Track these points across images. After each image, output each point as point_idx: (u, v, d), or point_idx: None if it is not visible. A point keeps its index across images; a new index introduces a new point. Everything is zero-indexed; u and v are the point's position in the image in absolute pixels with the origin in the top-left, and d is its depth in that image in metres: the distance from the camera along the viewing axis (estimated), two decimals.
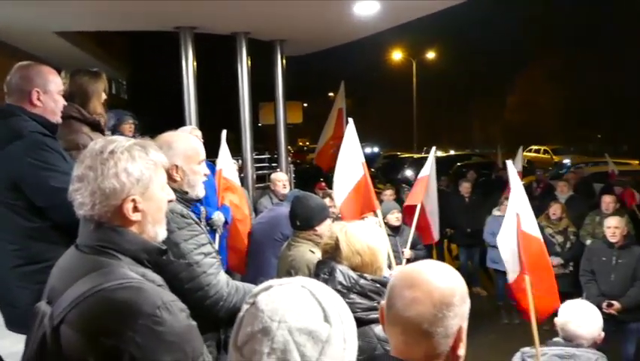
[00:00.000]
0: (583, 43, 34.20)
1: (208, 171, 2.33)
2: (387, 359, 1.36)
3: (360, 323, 1.87)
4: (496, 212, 7.20)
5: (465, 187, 8.32)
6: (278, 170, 7.54)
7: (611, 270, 5.21)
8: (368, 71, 40.81)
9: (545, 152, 25.93)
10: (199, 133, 4.18)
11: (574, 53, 34.30)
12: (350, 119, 4.53)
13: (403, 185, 8.65)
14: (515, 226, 3.59)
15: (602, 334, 2.67)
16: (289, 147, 10.87)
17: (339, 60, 29.84)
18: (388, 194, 6.78)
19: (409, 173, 14.66)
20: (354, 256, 2.04)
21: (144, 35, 12.27)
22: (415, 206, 5.24)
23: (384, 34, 9.23)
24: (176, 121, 6.10)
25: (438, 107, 40.00)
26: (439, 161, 6.27)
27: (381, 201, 6.28)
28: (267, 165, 8.79)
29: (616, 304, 5.03)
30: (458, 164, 16.51)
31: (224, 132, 5.01)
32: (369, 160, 9.50)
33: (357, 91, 36.46)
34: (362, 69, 39.07)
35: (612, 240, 5.20)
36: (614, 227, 5.20)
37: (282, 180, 5.59)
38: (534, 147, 27.15)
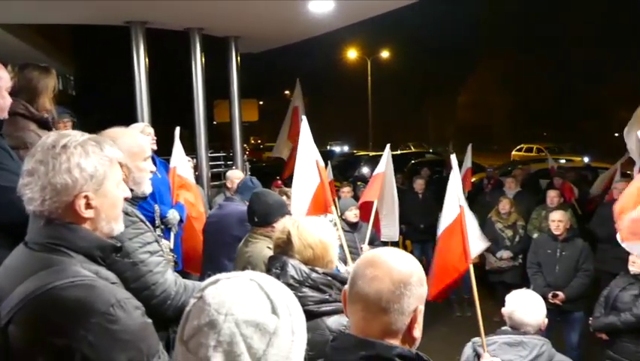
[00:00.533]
0: (530, 45, 35.62)
1: (154, 168, 2.30)
2: (346, 337, 1.40)
3: (312, 315, 1.92)
4: None
5: (419, 184, 8.51)
6: (234, 168, 7.47)
7: (555, 262, 5.47)
8: (324, 69, 40.99)
9: (539, 150, 26.15)
10: (151, 130, 4.11)
11: (522, 53, 35.64)
12: (304, 117, 4.55)
13: (359, 182, 8.75)
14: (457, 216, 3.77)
15: (546, 321, 2.81)
16: (245, 145, 10.79)
17: (295, 58, 29.85)
18: (346, 191, 6.85)
19: (365, 170, 14.86)
20: (306, 250, 2.09)
21: (94, 30, 11.89)
22: (372, 203, 5.32)
23: (340, 33, 9.28)
24: (128, 118, 5.96)
25: (393, 106, 40.61)
26: (393, 159, 6.36)
27: (339, 198, 6.36)
28: (223, 163, 8.70)
29: (560, 294, 5.29)
30: (412, 161, 16.86)
31: (177, 130, 4.93)
32: (329, 158, 9.56)
33: (313, 89, 36.54)
34: (318, 67, 39.20)
35: (556, 233, 5.46)
36: (557, 221, 5.46)
37: (239, 177, 5.53)
38: (524, 146, 27.63)
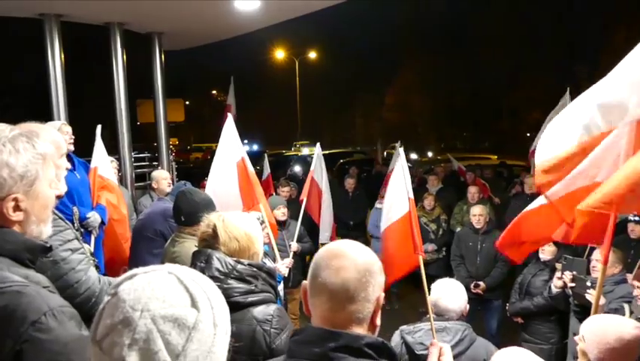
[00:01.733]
0: (451, 46, 37.36)
1: (69, 165, 2.20)
2: (310, 330, 1.38)
3: (239, 306, 1.94)
4: (378, 205, 7.61)
5: (349, 183, 8.68)
6: (159, 168, 7.24)
7: (477, 253, 5.78)
8: (254, 69, 40.69)
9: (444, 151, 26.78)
10: (69, 129, 3.91)
11: (443, 55, 37.27)
12: (229, 115, 4.51)
13: (291, 182, 8.76)
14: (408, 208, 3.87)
15: (468, 307, 2.97)
16: (171, 146, 10.48)
17: (224, 57, 29.43)
18: (285, 190, 6.86)
19: (297, 169, 14.93)
20: (232, 242, 2.09)
21: (4, 21, 11.02)
22: (318, 202, 5.45)
23: (269, 33, 9.27)
24: (43, 117, 5.60)
25: (321, 106, 41.06)
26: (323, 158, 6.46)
27: (276, 194, 6.40)
28: (148, 163, 8.41)
29: (482, 284, 5.61)
30: (341, 160, 17.13)
31: (98, 128, 4.71)
32: (254, 158, 9.48)
33: (242, 90, 36.10)
34: (247, 67, 38.87)
35: (477, 226, 5.78)
36: (478, 215, 5.79)
37: (165, 177, 5.36)
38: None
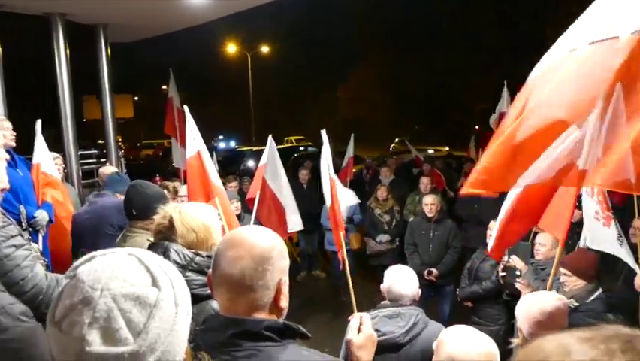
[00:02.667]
0: (404, 42, 37.98)
1: (7, 156, 2.10)
2: (214, 319, 1.41)
3: (198, 298, 1.90)
4: None
5: (303, 175, 8.69)
6: (107, 164, 7.02)
7: (429, 242, 5.93)
8: (206, 64, 39.95)
9: (402, 142, 27.19)
10: (9, 125, 3.74)
11: (396, 50, 37.84)
12: (185, 107, 4.41)
13: (244, 177, 8.68)
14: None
15: (420, 291, 3.05)
16: (120, 143, 10.19)
17: (174, 52, 28.74)
18: (233, 185, 6.80)
19: (250, 164, 14.82)
20: (189, 234, 2.07)
21: None
22: (264, 195, 5.41)
23: (221, 26, 9.11)
24: None
25: (275, 101, 40.84)
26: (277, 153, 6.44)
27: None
28: (95, 160, 8.13)
29: (435, 271, 5.76)
30: (296, 154, 17.13)
31: (38, 123, 4.51)
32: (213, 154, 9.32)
33: (195, 85, 35.51)
34: (199, 62, 38.14)
35: (429, 215, 5.93)
36: (430, 204, 5.93)
37: (111, 173, 5.19)
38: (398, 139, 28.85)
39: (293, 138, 31.36)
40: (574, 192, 2.80)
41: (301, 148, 20.53)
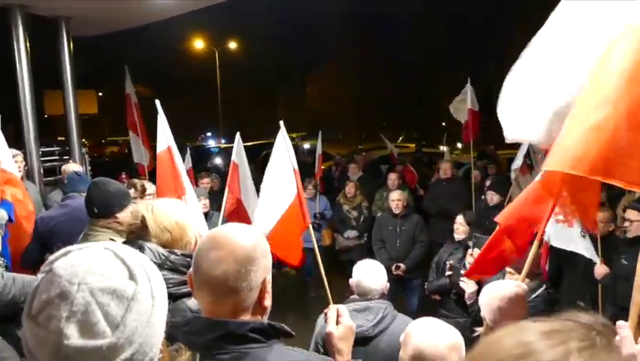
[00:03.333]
0: (372, 44, 38.32)
1: None
2: (197, 321, 1.37)
3: (173, 297, 1.88)
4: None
5: None
6: (70, 161, 6.82)
7: (396, 237, 6.01)
8: (172, 59, 39.23)
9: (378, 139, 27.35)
10: None
11: (364, 51, 38.13)
12: (157, 101, 4.33)
13: (213, 174, 8.58)
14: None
15: (388, 285, 3.08)
16: (84, 140, 9.93)
17: (141, 47, 28.12)
18: (205, 182, 6.72)
19: (217, 161, 14.66)
20: (163, 233, 2.03)
21: None
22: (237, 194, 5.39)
23: (188, 22, 8.98)
24: None
25: (243, 97, 40.51)
26: (246, 150, 6.38)
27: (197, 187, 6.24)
28: (58, 157, 7.89)
29: (402, 266, 5.84)
30: (265, 152, 17.02)
31: None
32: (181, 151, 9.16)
33: (160, 80, 34.89)
34: (166, 57, 37.44)
35: (396, 211, 6.00)
36: (396, 200, 6.00)
37: (70, 172, 5.03)
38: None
39: (294, 135, 31.02)
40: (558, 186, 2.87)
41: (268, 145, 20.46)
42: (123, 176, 7.66)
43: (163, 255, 1.94)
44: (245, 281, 1.32)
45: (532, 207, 2.95)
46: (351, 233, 7.07)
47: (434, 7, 34.60)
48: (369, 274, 3.00)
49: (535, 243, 2.71)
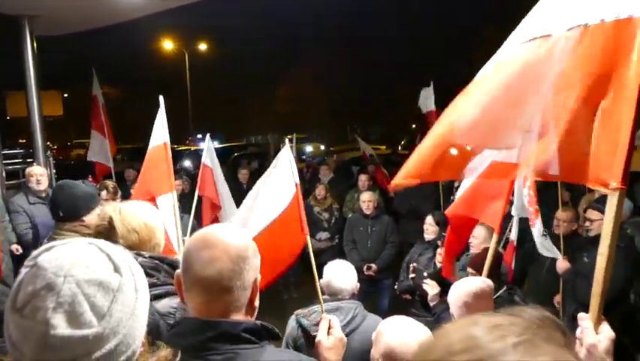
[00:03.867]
0: (342, 46, 38.55)
1: None
2: (187, 321, 1.35)
3: None
4: None
5: (243, 174, 8.63)
6: (34, 164, 6.63)
7: (367, 238, 6.04)
8: (141, 60, 38.58)
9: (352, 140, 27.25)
10: None
11: (335, 53, 38.30)
12: (160, 97, 4.27)
13: (184, 176, 8.47)
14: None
15: (358, 285, 3.09)
16: (49, 143, 9.69)
17: (108, 47, 27.57)
18: (177, 184, 6.63)
19: (186, 163, 14.49)
20: (131, 234, 2.01)
21: None
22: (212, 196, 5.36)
23: (157, 23, 8.85)
24: None
25: (214, 99, 40.13)
26: (217, 152, 6.34)
27: None
28: (21, 160, 7.66)
29: (373, 266, 5.88)
30: (235, 154, 16.92)
31: None
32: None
33: (128, 81, 34.32)
34: (134, 58, 36.80)
35: (367, 212, 6.04)
36: (367, 201, 6.04)
37: (35, 174, 4.90)
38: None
39: (297, 135, 30.56)
40: (508, 185, 2.95)
41: (240, 147, 20.28)
42: (90, 179, 7.51)
43: None
44: (239, 280, 1.31)
45: (479, 199, 3.06)
46: (323, 235, 7.08)
47: (406, 6, 35.08)
48: (340, 274, 3.02)
49: (493, 243, 2.78)
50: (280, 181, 4.02)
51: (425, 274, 4.36)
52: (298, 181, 3.87)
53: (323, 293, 3.09)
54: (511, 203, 4.05)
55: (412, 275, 4.52)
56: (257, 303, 1.40)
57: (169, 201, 3.67)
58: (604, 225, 1.63)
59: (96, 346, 0.88)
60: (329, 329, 1.77)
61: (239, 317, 1.34)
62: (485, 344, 0.63)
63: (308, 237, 3.56)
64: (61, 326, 0.86)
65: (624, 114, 1.57)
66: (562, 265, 4.40)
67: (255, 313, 1.41)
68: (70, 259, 0.92)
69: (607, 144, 1.66)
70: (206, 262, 1.30)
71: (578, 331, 1.56)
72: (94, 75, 8.44)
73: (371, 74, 37.44)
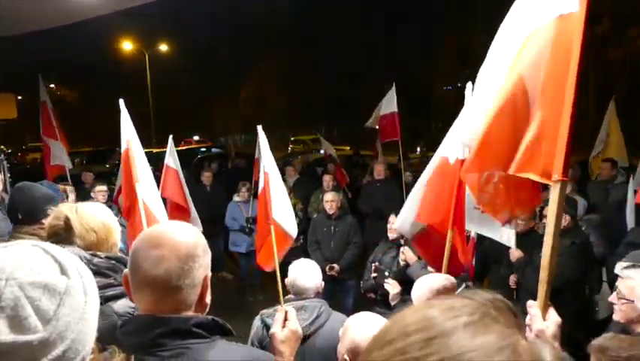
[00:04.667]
0: (303, 48, 38.61)
1: None
2: (137, 319, 1.34)
3: None
4: (236, 198, 7.59)
5: (206, 177, 8.54)
6: None
7: (330, 238, 6.09)
8: (99, 61, 37.59)
9: (314, 140, 26.94)
10: None
11: (296, 55, 38.35)
12: (121, 100, 4.19)
13: None
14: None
15: (323, 283, 3.12)
16: (3, 147, 9.36)
17: (65, 48, 26.77)
18: None
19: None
20: (89, 234, 1.98)
21: None
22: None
23: (116, 23, 8.66)
24: None
25: (175, 101, 39.56)
26: (179, 154, 6.25)
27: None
28: None
29: (336, 266, 5.92)
30: (199, 156, 16.69)
31: None
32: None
33: (87, 83, 33.44)
34: (92, 59, 35.83)
35: (330, 212, 6.08)
36: (330, 201, 6.08)
37: None
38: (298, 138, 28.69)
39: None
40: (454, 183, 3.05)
41: (203, 149, 20.02)
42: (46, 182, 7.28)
43: (85, 258, 1.87)
44: (187, 279, 1.31)
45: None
46: None
47: (365, 11, 35.43)
48: (304, 273, 3.04)
49: (448, 238, 2.85)
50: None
51: (387, 273, 4.44)
52: (268, 170, 3.93)
53: (288, 293, 3.11)
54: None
55: (373, 275, 4.60)
56: (208, 300, 1.40)
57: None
58: (548, 215, 1.70)
59: (42, 352, 0.83)
60: (285, 321, 1.79)
61: (189, 313, 1.34)
62: (439, 323, 0.66)
63: (272, 227, 3.62)
64: (3, 332, 0.82)
65: (565, 107, 1.64)
66: (516, 253, 4.56)
67: (206, 310, 1.42)
68: (12, 262, 0.88)
69: (549, 137, 1.72)
70: (154, 262, 1.29)
71: (527, 318, 1.64)
72: (40, 81, 8.30)
73: (333, 75, 37.70)
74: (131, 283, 1.34)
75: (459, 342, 0.64)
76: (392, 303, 4.13)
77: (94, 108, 35.62)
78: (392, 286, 4.12)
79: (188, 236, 1.36)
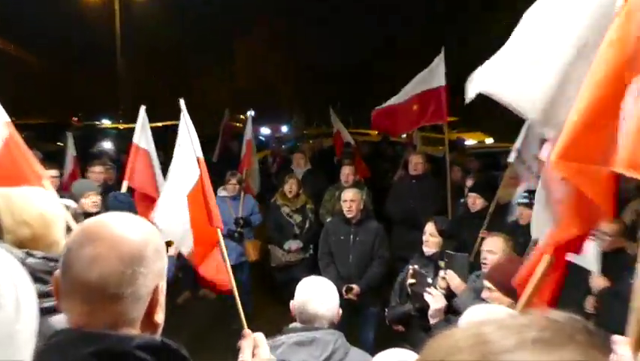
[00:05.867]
0: (297, 15, 39.08)
1: None
2: (66, 333, 1.30)
3: None
4: (222, 192, 7.37)
5: None
6: None
7: (349, 250, 5.92)
8: (57, 17, 38.01)
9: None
10: None
11: (291, 23, 38.76)
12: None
13: (108, 162, 8.23)
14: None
15: (340, 311, 3.01)
16: None
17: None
18: (96, 171, 6.47)
19: (106, 145, 14.23)
20: (21, 228, 1.99)
21: None
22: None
23: None
24: None
25: (153, 68, 39.82)
26: (153, 132, 6.18)
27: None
28: None
29: (355, 288, 5.74)
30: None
31: None
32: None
33: (44, 42, 33.89)
34: (51, 14, 36.22)
35: (349, 215, 5.92)
36: (349, 200, 5.92)
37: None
38: None
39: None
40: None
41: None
42: None
43: (17, 257, 1.82)
44: (130, 287, 1.29)
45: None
46: (293, 244, 6.98)
47: None
48: (318, 296, 2.92)
49: (544, 265, 2.68)
50: (181, 158, 4.09)
51: (430, 280, 4.24)
52: (201, 155, 3.94)
53: (293, 320, 3.00)
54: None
55: (411, 280, 4.37)
56: (159, 318, 1.38)
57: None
58: None
59: None
60: (254, 348, 1.75)
61: (132, 331, 1.32)
62: (499, 340, 0.70)
63: (220, 233, 3.60)
64: None
65: None
66: (600, 281, 4.42)
67: (158, 332, 1.39)
68: None
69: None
70: (87, 262, 1.28)
71: (612, 358, 1.61)
72: None
73: (351, 39, 37.99)
74: (61, 288, 1.33)
75: (524, 358, 0.67)
76: (431, 320, 3.94)
77: (54, 75, 36.20)
78: (435, 299, 3.93)
79: (135, 232, 1.34)
